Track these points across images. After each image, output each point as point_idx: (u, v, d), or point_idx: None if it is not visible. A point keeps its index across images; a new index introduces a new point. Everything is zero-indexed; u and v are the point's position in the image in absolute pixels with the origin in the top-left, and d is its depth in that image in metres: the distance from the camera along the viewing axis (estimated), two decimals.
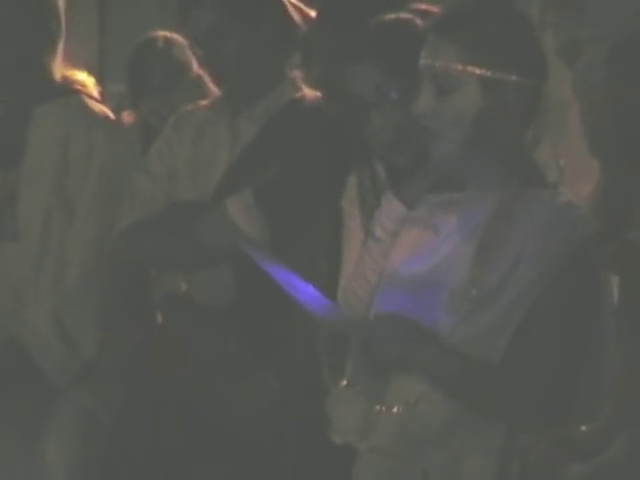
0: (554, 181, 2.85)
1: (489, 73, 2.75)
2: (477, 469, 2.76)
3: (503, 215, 2.77)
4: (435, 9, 3.02)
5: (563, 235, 2.73)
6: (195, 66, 4.48)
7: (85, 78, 4.22)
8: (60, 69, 4.17)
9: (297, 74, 3.65)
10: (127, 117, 5.08)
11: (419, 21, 2.97)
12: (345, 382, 2.99)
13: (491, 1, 2.94)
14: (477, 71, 2.74)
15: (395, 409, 2.85)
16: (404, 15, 3.02)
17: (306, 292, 2.97)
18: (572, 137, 3.22)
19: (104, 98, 4.32)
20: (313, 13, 3.58)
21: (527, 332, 2.72)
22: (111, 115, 4.09)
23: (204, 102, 3.76)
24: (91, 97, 4.11)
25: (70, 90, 4.09)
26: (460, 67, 2.74)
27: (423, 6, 3.07)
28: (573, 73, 2.17)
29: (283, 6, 3.59)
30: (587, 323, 2.72)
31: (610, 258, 2.40)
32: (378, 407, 2.87)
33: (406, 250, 2.90)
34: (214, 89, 3.92)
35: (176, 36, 4.99)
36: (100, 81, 4.18)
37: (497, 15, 2.88)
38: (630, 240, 2.24)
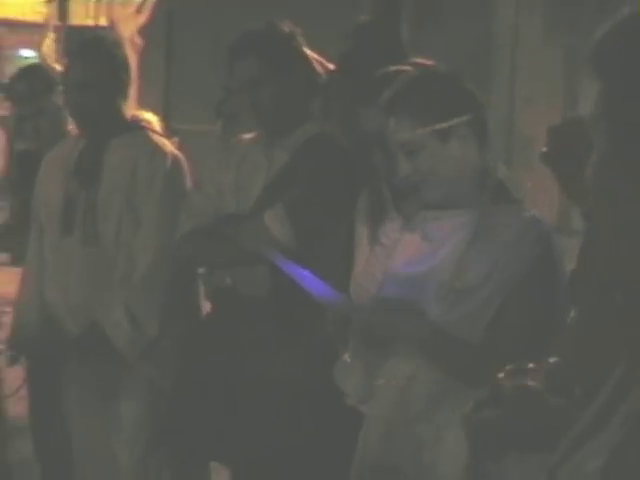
0: (519, 197, 2.90)
1: (441, 125, 2.80)
2: (460, 436, 2.78)
3: (480, 227, 2.82)
4: (429, 62, 3.04)
5: (529, 243, 2.79)
6: None
7: (150, 117, 4.26)
8: (130, 109, 4.21)
9: (319, 114, 3.66)
10: None
11: (414, 72, 2.99)
12: (348, 356, 3.02)
13: (421, 75, 2.97)
14: (429, 128, 2.79)
15: (393, 382, 2.88)
16: (403, 68, 3.04)
17: (319, 285, 3.01)
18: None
19: (167, 132, 4.34)
20: (332, 66, 3.60)
21: (502, 318, 2.77)
22: (170, 146, 4.10)
23: (247, 136, 3.76)
24: (155, 132, 4.15)
25: (138, 126, 4.13)
26: (417, 132, 2.80)
27: (419, 60, 3.09)
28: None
29: (308, 60, 3.62)
30: (548, 309, 2.77)
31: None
32: (381, 381, 2.90)
33: (405, 254, 2.93)
34: None
35: None
36: (165, 119, 4.21)
37: (428, 80, 2.93)
38: None
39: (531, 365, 2.20)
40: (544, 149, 4.35)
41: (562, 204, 12.21)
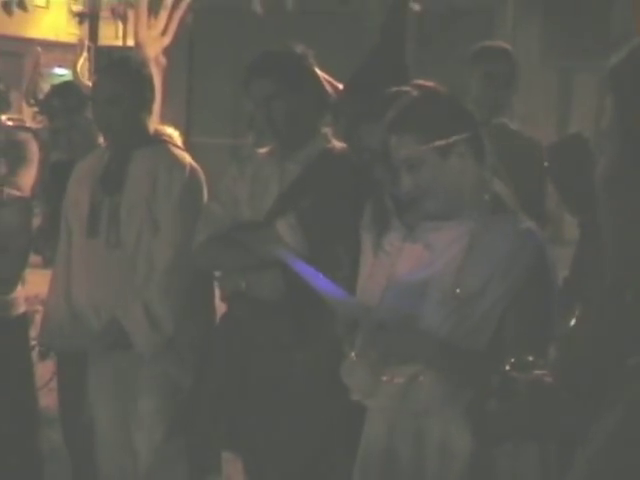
0: (512, 208, 2.90)
1: (440, 143, 2.80)
2: (461, 428, 2.78)
3: (477, 237, 2.82)
4: (429, 84, 3.04)
5: (525, 254, 2.78)
6: None
7: (171, 131, 4.26)
8: (153, 124, 4.21)
9: (328, 130, 3.66)
10: None
11: (415, 92, 2.99)
12: (354, 354, 3.02)
13: (422, 95, 2.97)
14: (430, 145, 2.79)
15: (397, 380, 2.87)
16: (404, 89, 3.04)
17: (329, 287, 3.01)
18: None
19: (185, 145, 4.33)
20: (340, 86, 3.60)
21: (503, 325, 2.76)
22: (189, 158, 4.09)
23: (261, 149, 3.76)
24: (175, 145, 4.15)
25: (160, 139, 4.13)
26: (418, 149, 2.80)
27: (420, 81, 3.08)
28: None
29: (319, 80, 3.61)
30: (545, 311, 2.77)
31: None
32: (384, 377, 2.89)
33: (408, 262, 2.93)
34: None
35: None
36: (187, 132, 4.23)
37: (429, 101, 2.93)
38: None
39: (530, 359, 2.20)
40: (545, 164, 4.35)
41: (555, 215, 12.18)
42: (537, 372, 2.11)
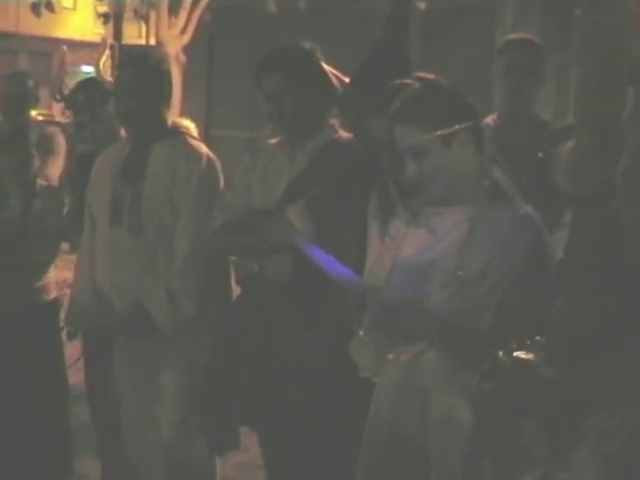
0: (511, 195, 2.88)
1: (444, 131, 2.78)
2: (462, 402, 2.76)
3: (478, 222, 2.80)
4: (431, 76, 3.02)
5: (524, 238, 2.77)
6: None
7: (188, 123, 4.25)
8: (172, 117, 4.20)
9: (335, 122, 3.64)
10: None
11: (417, 84, 2.98)
12: (362, 333, 3.01)
13: (426, 87, 2.95)
14: (433, 134, 2.78)
15: (402, 358, 2.87)
16: (407, 81, 3.02)
17: (339, 269, 3.00)
18: None
19: (204, 137, 4.33)
20: (347, 79, 3.58)
21: (504, 306, 2.75)
22: (205, 149, 4.08)
23: (272, 140, 3.75)
24: (192, 136, 4.14)
25: (178, 132, 4.12)
26: (422, 138, 2.79)
27: (422, 74, 3.07)
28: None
29: (326, 74, 3.59)
30: (542, 295, 2.74)
31: None
32: (391, 356, 2.89)
33: (412, 245, 2.92)
34: None
35: None
36: (206, 126, 4.21)
37: (432, 92, 2.91)
38: None
39: (528, 342, 2.19)
40: (540, 154, 4.32)
41: None
42: (520, 354, 2.10)
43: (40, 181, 4.72)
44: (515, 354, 2.15)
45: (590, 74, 2.02)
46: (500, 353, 2.16)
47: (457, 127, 2.80)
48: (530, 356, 2.13)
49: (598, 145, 2.08)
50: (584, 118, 2.03)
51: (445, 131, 2.78)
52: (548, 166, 4.20)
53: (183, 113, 10.41)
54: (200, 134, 4.31)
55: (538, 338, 2.15)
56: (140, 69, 4.09)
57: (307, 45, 3.60)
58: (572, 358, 2.06)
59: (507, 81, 4.44)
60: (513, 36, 5.02)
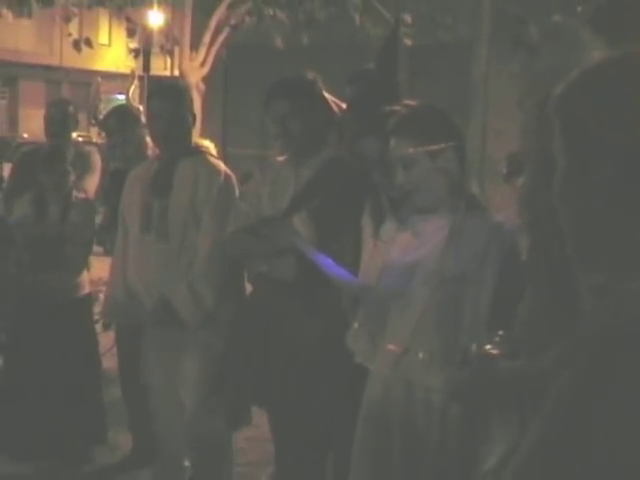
0: (485, 206, 2.87)
1: (430, 147, 2.77)
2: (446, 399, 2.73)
3: (457, 229, 2.79)
4: (416, 103, 3.02)
5: (497, 244, 2.75)
6: None
7: (208, 144, 4.24)
8: (194, 138, 4.20)
9: (334, 141, 3.62)
10: None
11: (414, 107, 2.97)
12: (356, 325, 2.99)
13: (419, 109, 2.98)
14: (423, 149, 2.77)
15: (393, 347, 2.85)
16: (396, 107, 3.02)
17: (337, 270, 2.99)
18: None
19: (222, 155, 4.31)
20: (344, 106, 3.57)
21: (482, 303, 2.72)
22: (223, 166, 4.07)
23: (279, 158, 3.74)
24: (212, 155, 4.12)
25: (199, 150, 4.10)
26: (412, 151, 2.77)
27: (408, 101, 3.06)
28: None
29: (326, 101, 3.57)
30: (514, 292, 2.72)
31: None
32: (382, 346, 2.87)
33: (400, 248, 2.91)
34: None
35: None
36: (223, 145, 4.22)
37: (424, 113, 2.92)
38: None
39: (497, 338, 2.17)
40: (504, 170, 4.32)
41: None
42: (487, 346, 2.08)
43: (76, 194, 4.72)
44: (484, 347, 2.13)
45: (529, 119, 2.01)
46: (473, 346, 2.14)
47: (443, 145, 2.78)
48: (494, 349, 2.11)
49: (542, 179, 2.07)
50: (528, 157, 2.02)
51: (432, 147, 2.77)
52: None
53: (203, 134, 10.42)
54: (218, 152, 4.30)
55: (501, 332, 2.13)
56: (168, 97, 4.07)
57: (310, 76, 3.58)
58: (533, 350, 2.04)
59: None
60: None
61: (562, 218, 1.23)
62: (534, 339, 1.98)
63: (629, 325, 1.08)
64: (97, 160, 5.54)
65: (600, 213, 1.16)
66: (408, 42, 13.19)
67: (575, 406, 1.05)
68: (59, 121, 5.45)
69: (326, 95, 3.59)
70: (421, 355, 2.77)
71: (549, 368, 1.23)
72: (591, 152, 1.16)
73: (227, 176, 4.01)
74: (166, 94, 4.12)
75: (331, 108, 3.57)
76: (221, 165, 4.06)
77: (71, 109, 5.62)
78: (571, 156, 1.19)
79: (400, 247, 2.90)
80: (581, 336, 1.11)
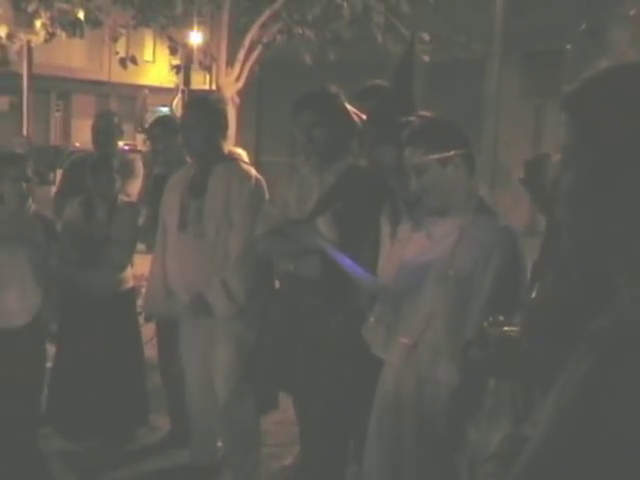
0: (494, 210, 2.84)
1: (441, 155, 2.74)
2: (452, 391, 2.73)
3: (466, 231, 2.76)
4: (429, 114, 2.99)
5: (503, 245, 2.72)
6: None
7: (241, 151, 4.23)
8: (227, 146, 4.19)
9: (355, 149, 3.59)
10: None
11: (427, 118, 2.95)
12: (373, 319, 2.97)
13: (431, 120, 2.99)
14: (434, 157, 2.74)
15: (405, 340, 2.83)
16: (411, 118, 3.00)
17: (356, 269, 2.97)
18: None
19: (255, 163, 4.30)
20: (364, 117, 3.55)
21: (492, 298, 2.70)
22: (254, 172, 4.06)
23: (305, 165, 3.72)
24: (243, 162, 4.11)
25: (232, 158, 4.09)
26: (424, 158, 2.75)
27: (423, 113, 3.04)
28: None
29: (348, 112, 3.55)
30: (516, 287, 2.70)
31: None
32: (395, 339, 2.84)
33: (414, 248, 2.89)
34: None
35: None
36: (257, 153, 4.22)
37: (435, 124, 2.91)
38: None
39: (501, 318, 2.15)
40: (521, 176, 4.27)
41: (531, 213, 12.09)
42: (505, 328, 2.06)
43: (121, 198, 4.73)
44: (499, 328, 2.11)
45: None
46: (485, 325, 2.12)
47: (452, 153, 2.76)
48: (511, 330, 2.10)
49: None
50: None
51: (442, 155, 2.74)
52: None
53: (238, 143, 10.44)
54: (251, 160, 4.29)
55: (501, 318, 2.11)
56: (201, 109, 4.06)
57: (333, 89, 3.56)
58: (544, 334, 2.02)
59: None
60: None
61: (574, 219, 1.17)
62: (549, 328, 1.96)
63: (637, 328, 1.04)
64: (140, 167, 5.56)
65: (623, 213, 1.10)
66: (426, 58, 13.15)
67: (589, 401, 1.01)
68: (105, 131, 5.47)
69: (348, 106, 3.57)
70: (429, 349, 2.74)
71: (558, 360, 1.19)
72: (620, 153, 1.09)
73: (257, 181, 4.00)
74: (199, 106, 4.11)
75: (352, 119, 3.54)
76: (252, 171, 4.05)
77: (116, 120, 5.63)
78: (595, 158, 1.12)
79: (415, 247, 2.88)
80: (596, 334, 1.06)
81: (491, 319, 2.15)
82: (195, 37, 19.13)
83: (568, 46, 11.93)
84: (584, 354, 1.05)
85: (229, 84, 13.83)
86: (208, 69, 16.30)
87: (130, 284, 4.78)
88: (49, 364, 4.51)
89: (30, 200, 4.13)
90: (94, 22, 13.28)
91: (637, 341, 1.02)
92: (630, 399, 0.99)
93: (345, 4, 13.31)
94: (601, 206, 1.11)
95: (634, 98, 1.10)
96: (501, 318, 2.14)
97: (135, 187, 5.38)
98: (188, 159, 4.45)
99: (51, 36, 13.09)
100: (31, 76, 15.00)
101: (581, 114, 1.15)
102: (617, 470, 0.98)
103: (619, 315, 1.07)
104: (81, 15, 12.90)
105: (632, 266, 1.11)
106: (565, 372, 1.07)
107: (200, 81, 22.46)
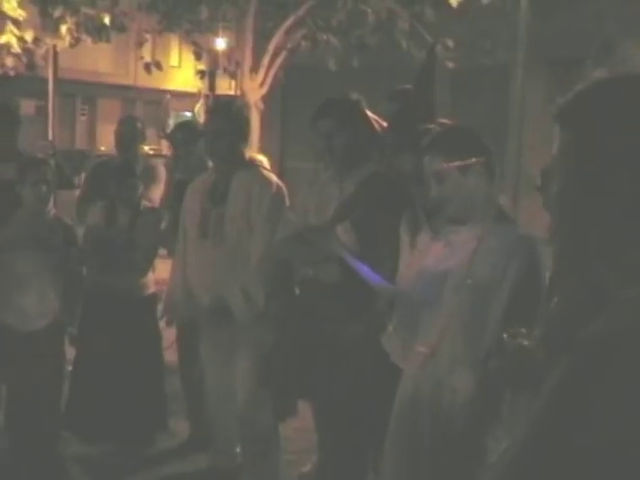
0: (513, 218, 2.82)
1: (461, 163, 2.73)
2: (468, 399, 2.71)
3: (484, 240, 2.75)
4: (450, 122, 2.98)
5: (522, 255, 2.70)
6: None
7: (262, 158, 4.23)
8: (249, 152, 4.19)
9: (375, 156, 3.59)
10: None
11: (448, 125, 2.94)
12: (391, 328, 2.96)
13: (452, 127, 2.98)
14: (454, 164, 2.73)
15: (422, 349, 2.82)
16: (432, 126, 2.99)
17: (374, 277, 2.96)
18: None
19: (280, 169, 4.31)
20: (385, 124, 3.54)
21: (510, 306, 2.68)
22: (275, 178, 4.06)
23: (326, 172, 3.72)
24: (265, 168, 4.12)
25: (253, 164, 4.10)
26: (444, 166, 2.74)
27: (444, 120, 3.03)
28: None
29: (368, 120, 3.55)
30: (535, 298, 2.68)
31: None
32: (413, 347, 2.83)
33: (433, 256, 2.88)
34: None
35: None
36: (282, 159, 4.21)
37: (456, 131, 2.90)
38: None
39: (523, 330, 2.14)
40: (537, 183, 4.24)
41: None
42: (521, 339, 2.05)
43: (144, 202, 4.75)
44: (517, 340, 2.10)
45: None
46: (504, 337, 2.11)
47: (472, 160, 2.75)
48: (529, 343, 2.08)
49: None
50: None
51: (462, 162, 2.74)
52: None
53: (262, 149, 10.45)
54: (276, 166, 4.30)
55: (523, 330, 2.10)
56: (223, 115, 4.07)
57: (354, 96, 3.57)
58: (562, 346, 2.01)
59: None
60: None
61: (567, 222, 1.20)
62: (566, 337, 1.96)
63: (624, 332, 1.04)
64: (162, 172, 5.59)
65: (613, 219, 1.13)
66: (450, 65, 13.11)
67: (565, 402, 1.03)
68: (128, 136, 5.50)
69: (369, 114, 3.57)
70: (447, 357, 2.73)
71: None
72: (605, 162, 1.13)
73: (278, 188, 4.00)
74: (221, 112, 4.12)
75: (373, 126, 3.54)
76: (273, 177, 4.06)
77: (139, 125, 5.66)
78: (583, 166, 1.16)
79: (433, 256, 2.87)
80: (580, 339, 1.08)
81: (511, 331, 2.14)
82: (220, 43, 19.23)
83: (588, 61, 11.88)
84: (572, 359, 1.07)
85: (253, 90, 13.84)
86: (233, 75, 16.32)
87: (152, 289, 4.80)
88: (69, 368, 4.53)
89: (50, 204, 4.16)
90: (119, 27, 13.35)
91: (625, 343, 1.03)
92: (618, 400, 1.00)
93: (369, 10, 13.30)
94: (586, 211, 1.15)
95: (621, 109, 1.13)
96: (523, 330, 2.12)
97: (157, 192, 5.41)
98: (209, 164, 4.47)
99: (76, 41, 13.18)
100: (57, 80, 15.08)
101: (569, 124, 1.19)
102: (599, 468, 1.00)
103: (609, 319, 1.08)
104: (107, 20, 12.97)
105: (618, 268, 1.14)
106: (552, 376, 1.08)
107: (225, 86, 22.51)
